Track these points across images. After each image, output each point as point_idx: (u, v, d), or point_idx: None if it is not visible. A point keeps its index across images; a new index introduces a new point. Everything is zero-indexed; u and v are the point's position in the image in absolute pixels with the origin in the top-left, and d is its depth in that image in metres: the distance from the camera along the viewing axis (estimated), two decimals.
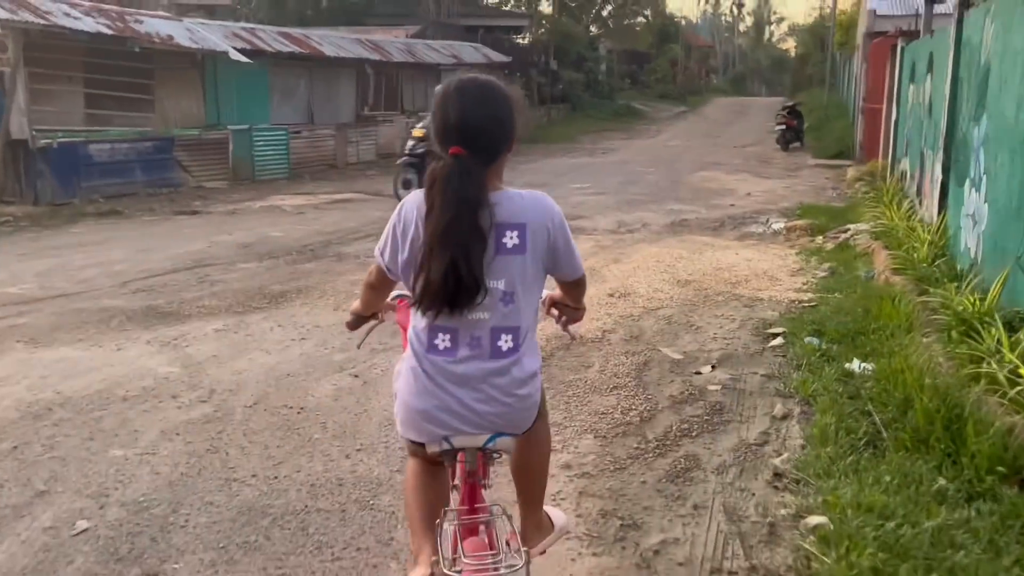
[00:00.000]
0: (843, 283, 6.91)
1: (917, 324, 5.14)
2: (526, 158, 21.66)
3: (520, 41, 32.26)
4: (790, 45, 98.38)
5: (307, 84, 18.62)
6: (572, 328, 2.44)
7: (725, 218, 11.51)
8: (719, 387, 4.76)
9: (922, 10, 10.80)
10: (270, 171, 16.55)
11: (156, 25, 14.71)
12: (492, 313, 2.03)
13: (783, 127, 22.02)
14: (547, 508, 2.47)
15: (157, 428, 4.22)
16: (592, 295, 6.81)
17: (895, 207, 8.98)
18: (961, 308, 4.91)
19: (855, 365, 4.71)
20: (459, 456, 2.09)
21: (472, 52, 25.33)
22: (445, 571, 1.87)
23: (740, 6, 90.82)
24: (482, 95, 2.04)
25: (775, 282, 7.30)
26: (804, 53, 56.49)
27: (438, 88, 2.09)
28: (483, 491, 2.15)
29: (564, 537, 2.71)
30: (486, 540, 2.06)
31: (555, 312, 2.41)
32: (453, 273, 1.93)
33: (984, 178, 5.70)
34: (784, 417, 4.28)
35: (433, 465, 2.18)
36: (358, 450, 3.96)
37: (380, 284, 2.31)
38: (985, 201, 5.61)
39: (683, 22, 64.96)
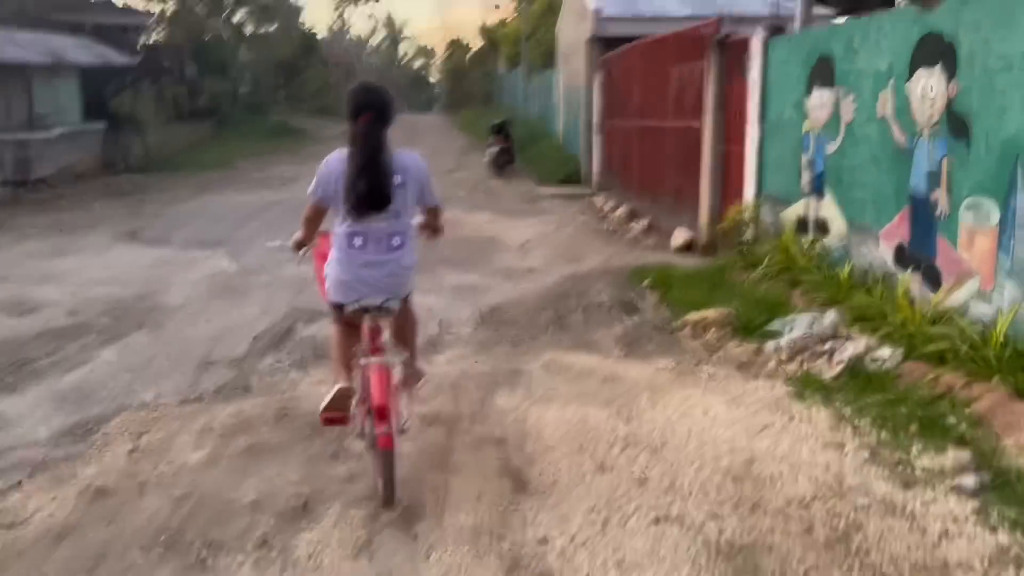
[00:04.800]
0: None
1: None
2: (173, 194, 15.71)
3: (147, 42, 25.22)
4: (417, 65, 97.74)
5: None
6: (434, 240, 4.00)
7: (547, 298, 7.50)
8: None
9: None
10: None
11: None
12: (389, 224, 3.54)
13: (496, 149, 18.65)
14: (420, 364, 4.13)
15: None
16: None
17: (898, 298, 5.48)
18: None
19: None
20: (366, 318, 3.63)
21: (80, 51, 18.42)
22: (359, 363, 3.61)
23: (375, 23, 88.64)
24: (377, 89, 3.64)
25: (924, 538, 3.26)
26: (453, 70, 55.01)
27: (350, 88, 3.65)
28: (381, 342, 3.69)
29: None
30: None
31: (426, 232, 3.94)
32: (377, 191, 3.43)
33: None
34: None
35: (349, 327, 3.73)
36: None
37: (315, 215, 3.71)
38: None
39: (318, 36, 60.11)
